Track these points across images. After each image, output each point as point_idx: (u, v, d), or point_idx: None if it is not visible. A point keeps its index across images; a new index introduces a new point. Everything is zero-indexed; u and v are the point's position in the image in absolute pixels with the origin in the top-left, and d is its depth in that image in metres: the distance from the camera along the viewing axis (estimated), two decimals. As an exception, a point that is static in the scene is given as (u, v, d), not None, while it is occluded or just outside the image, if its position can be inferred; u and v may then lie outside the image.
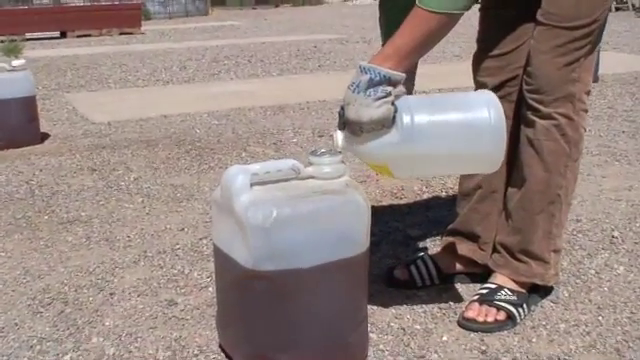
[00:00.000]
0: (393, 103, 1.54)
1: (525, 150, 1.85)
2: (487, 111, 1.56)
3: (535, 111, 1.81)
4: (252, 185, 1.50)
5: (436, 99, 1.64)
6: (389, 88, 1.54)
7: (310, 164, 1.59)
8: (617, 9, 14.98)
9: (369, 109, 1.52)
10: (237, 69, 7.05)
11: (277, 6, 26.68)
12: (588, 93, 1.84)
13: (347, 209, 1.53)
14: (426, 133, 1.55)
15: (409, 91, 1.73)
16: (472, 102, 1.60)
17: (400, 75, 1.55)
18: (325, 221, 1.50)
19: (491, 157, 1.59)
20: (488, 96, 1.61)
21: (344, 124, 1.58)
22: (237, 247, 1.50)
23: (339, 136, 1.59)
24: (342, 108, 1.57)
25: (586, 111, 1.84)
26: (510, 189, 1.93)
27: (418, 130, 1.54)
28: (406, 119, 1.54)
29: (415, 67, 1.88)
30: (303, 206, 1.48)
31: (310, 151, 1.61)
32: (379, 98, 1.52)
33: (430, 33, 1.59)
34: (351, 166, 3.27)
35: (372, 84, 1.53)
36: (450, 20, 1.59)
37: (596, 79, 1.82)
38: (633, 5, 15.86)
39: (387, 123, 1.53)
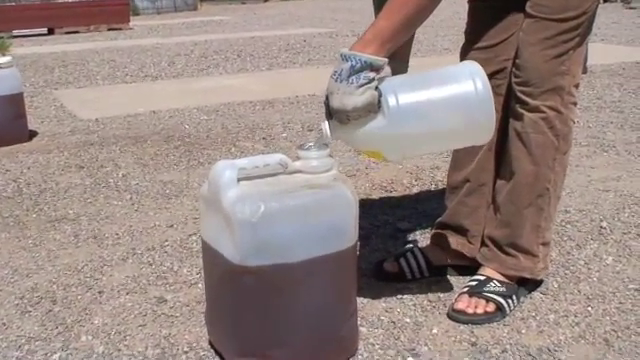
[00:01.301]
0: (377, 88, 1.52)
1: (513, 143, 1.85)
2: (472, 82, 1.54)
3: (523, 104, 1.80)
4: (239, 180, 1.49)
5: (420, 77, 1.61)
6: (372, 74, 1.52)
7: (298, 158, 1.59)
8: (605, 1, 15.01)
9: (353, 96, 1.50)
10: (226, 64, 7.03)
11: (266, 0, 26.62)
12: (577, 86, 1.83)
13: (335, 203, 1.52)
14: (413, 113, 1.53)
15: None
16: (456, 75, 1.58)
17: (382, 60, 1.54)
18: (313, 215, 1.49)
19: (482, 127, 1.57)
20: (472, 66, 1.58)
21: (330, 113, 1.57)
22: (225, 242, 1.49)
23: (327, 126, 1.58)
24: (327, 98, 1.56)
25: (575, 104, 1.84)
26: (499, 182, 1.93)
27: (405, 111, 1.53)
28: (391, 102, 1.52)
29: (407, 56, 1.86)
30: (290, 200, 1.47)
31: (298, 145, 1.61)
32: (362, 85, 1.51)
33: (410, 17, 1.56)
34: (340, 160, 3.28)
35: (354, 71, 1.51)
36: (430, 3, 1.57)
37: (585, 70, 1.82)
38: (621, -4, 15.87)
39: (373, 109, 1.52)
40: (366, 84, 1.51)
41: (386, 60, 1.55)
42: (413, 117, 1.53)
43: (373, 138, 1.56)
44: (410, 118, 1.53)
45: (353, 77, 1.51)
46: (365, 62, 1.52)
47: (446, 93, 1.55)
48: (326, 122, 1.58)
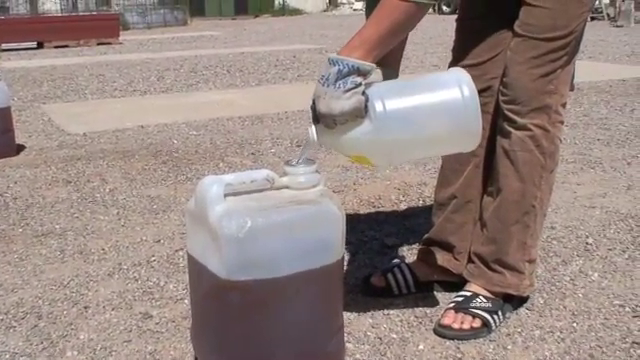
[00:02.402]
0: (364, 93, 1.52)
1: (500, 161, 1.86)
2: (459, 88, 1.53)
3: (511, 122, 1.81)
4: (226, 195, 1.49)
5: (407, 83, 1.60)
6: (359, 79, 1.52)
7: (285, 174, 1.59)
8: (592, 19, 15.14)
9: (340, 101, 1.50)
10: (216, 79, 7.04)
11: (256, 16, 26.67)
12: (564, 105, 1.84)
13: (321, 218, 1.52)
14: (400, 119, 1.53)
15: None
16: (444, 81, 1.58)
17: (369, 65, 1.53)
18: (299, 231, 1.49)
19: (469, 133, 1.56)
20: (459, 73, 1.58)
21: (317, 118, 1.56)
22: (211, 257, 1.49)
23: (314, 130, 1.57)
24: (313, 102, 1.55)
25: (562, 123, 1.85)
26: (485, 199, 1.94)
27: (391, 117, 1.52)
28: (378, 107, 1.52)
29: (398, 64, 1.86)
30: (277, 216, 1.47)
31: (285, 161, 1.61)
32: (349, 89, 1.50)
33: (398, 23, 1.56)
34: (328, 176, 3.29)
35: (341, 75, 1.51)
36: (418, 10, 1.57)
37: (572, 87, 1.84)
38: (608, 15, 16.03)
39: (359, 113, 1.51)
40: (353, 89, 1.50)
41: (373, 66, 1.54)
42: (400, 123, 1.52)
43: (360, 143, 1.56)
44: (397, 124, 1.52)
45: (340, 81, 1.51)
46: (352, 67, 1.51)
47: (433, 99, 1.55)
48: (313, 127, 1.58)
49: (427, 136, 1.56)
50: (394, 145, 1.55)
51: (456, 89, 1.53)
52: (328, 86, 1.52)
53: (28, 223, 2.80)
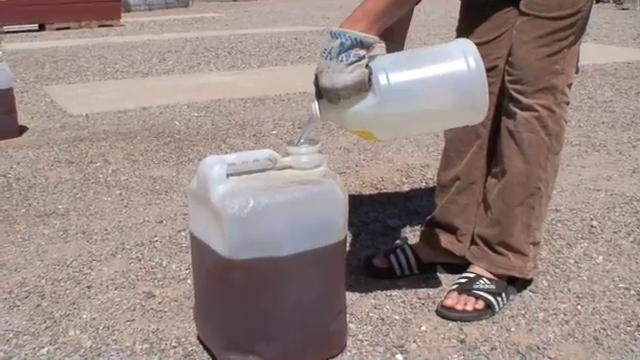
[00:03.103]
0: (367, 66, 1.50)
1: (505, 142, 1.84)
2: (464, 59, 1.51)
3: (516, 102, 1.80)
4: (228, 175, 1.48)
5: (412, 55, 1.58)
6: (362, 52, 1.49)
7: (287, 154, 1.58)
8: (598, 1, 15.05)
9: (342, 75, 1.47)
10: (217, 61, 7.00)
11: (258, -2, 26.50)
12: (570, 85, 1.83)
13: (324, 199, 1.52)
14: (404, 92, 1.50)
15: None
16: (449, 52, 1.55)
17: (372, 38, 1.51)
18: (302, 211, 1.49)
19: (475, 106, 1.54)
20: (465, 44, 1.55)
21: (320, 93, 1.54)
22: (214, 237, 1.48)
23: (317, 106, 1.55)
24: (316, 77, 1.53)
25: (568, 103, 1.83)
26: (490, 181, 1.93)
27: (396, 90, 1.50)
28: (382, 80, 1.49)
29: (403, 38, 1.84)
30: (279, 196, 1.47)
31: (287, 141, 1.60)
32: (352, 63, 1.48)
33: None
34: (331, 157, 3.28)
35: (344, 49, 1.48)
36: None
37: (577, 70, 1.82)
38: (613, -3, 15.93)
39: (363, 87, 1.49)
40: (356, 62, 1.48)
41: (376, 38, 1.52)
42: (404, 96, 1.50)
43: (364, 118, 1.53)
44: (401, 97, 1.50)
45: (343, 55, 1.48)
46: (355, 39, 1.49)
47: (438, 71, 1.52)
48: (315, 102, 1.56)
49: (432, 109, 1.53)
50: (399, 119, 1.53)
51: (462, 60, 1.51)
52: (330, 60, 1.49)
53: (31, 204, 2.79)
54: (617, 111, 4.25)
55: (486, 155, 1.95)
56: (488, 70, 1.86)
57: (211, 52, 7.68)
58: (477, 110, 1.55)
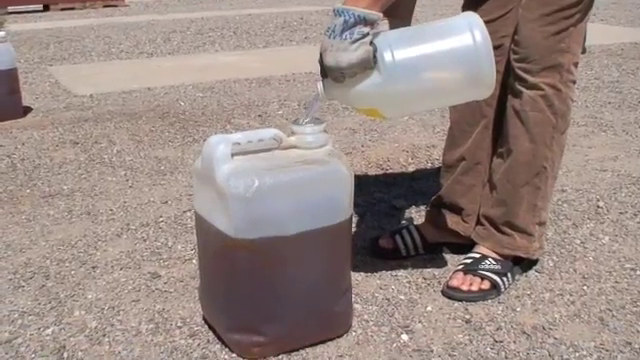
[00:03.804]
0: (372, 43, 1.48)
1: (511, 121, 1.83)
2: (470, 33, 1.48)
3: (522, 81, 1.78)
4: (233, 155, 1.47)
5: (416, 31, 1.56)
6: (366, 29, 1.47)
7: (292, 133, 1.57)
8: (604, -20, 14.94)
9: (347, 53, 1.46)
10: (222, 41, 6.98)
11: (263, -22, 26.33)
12: (576, 64, 1.81)
13: (330, 178, 1.51)
14: (410, 68, 1.48)
15: None
16: (454, 27, 1.52)
17: (376, 14, 1.48)
18: (307, 190, 1.48)
19: (482, 81, 1.51)
20: (470, 18, 1.52)
21: (325, 72, 1.52)
22: (219, 217, 1.48)
23: (322, 85, 1.54)
24: (321, 56, 1.51)
25: (574, 82, 1.82)
26: (495, 161, 1.92)
27: (401, 66, 1.48)
28: (387, 57, 1.47)
29: (409, 16, 1.82)
30: (285, 176, 1.46)
31: (292, 120, 1.59)
32: (356, 40, 1.46)
33: None
34: (336, 138, 3.27)
35: (347, 26, 1.46)
36: None
37: (584, 50, 1.81)
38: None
39: (368, 65, 1.47)
40: (360, 39, 1.46)
41: (380, 15, 1.49)
42: (410, 72, 1.48)
43: (369, 95, 1.52)
44: (407, 73, 1.48)
45: (347, 32, 1.46)
46: (359, 16, 1.46)
47: (444, 47, 1.50)
48: (320, 81, 1.55)
49: (439, 85, 1.52)
50: (405, 95, 1.51)
51: (467, 34, 1.48)
52: (334, 38, 1.48)
53: (36, 184, 2.79)
54: (624, 92, 4.23)
55: (491, 135, 1.94)
56: (494, 49, 1.83)
57: (216, 32, 7.65)
58: (484, 84, 1.53)
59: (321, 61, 1.51)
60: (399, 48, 1.48)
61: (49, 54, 6.34)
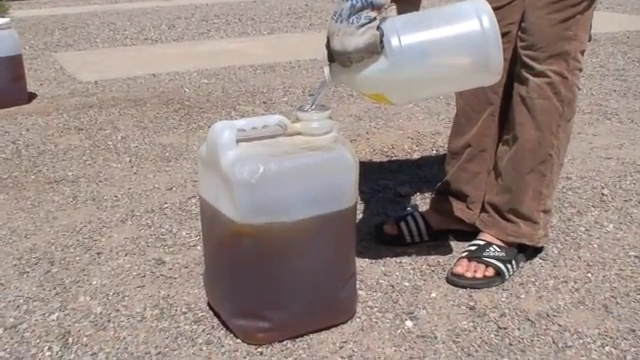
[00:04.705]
0: (379, 27, 1.47)
1: (517, 108, 1.83)
2: (477, 19, 1.47)
3: (529, 68, 1.78)
4: (238, 141, 1.47)
5: (424, 16, 1.55)
6: (373, 13, 1.47)
7: (297, 120, 1.57)
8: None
9: (353, 37, 1.45)
10: (227, 28, 6.96)
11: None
12: (583, 52, 1.80)
13: (334, 165, 1.51)
14: (417, 54, 1.48)
15: None
16: (462, 12, 1.52)
17: None
18: (312, 177, 1.48)
19: (489, 67, 1.51)
20: (478, 3, 1.51)
21: (332, 56, 1.52)
22: (223, 203, 1.48)
23: (328, 70, 1.53)
24: (327, 40, 1.51)
25: (580, 70, 1.81)
26: (501, 148, 1.91)
27: (408, 51, 1.47)
28: (394, 42, 1.47)
29: (418, 3, 1.81)
30: (289, 162, 1.46)
31: (297, 107, 1.58)
32: (363, 25, 1.45)
33: None
34: (341, 125, 3.26)
35: (354, 11, 1.46)
36: None
37: (590, 38, 1.80)
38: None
39: (375, 49, 1.47)
40: (367, 24, 1.46)
41: (388, 0, 1.50)
42: (417, 57, 1.48)
43: (376, 81, 1.51)
44: (414, 59, 1.48)
45: (354, 17, 1.46)
46: (365, 1, 1.46)
47: (451, 32, 1.49)
48: (327, 66, 1.54)
49: (446, 70, 1.51)
50: (412, 81, 1.51)
51: (475, 20, 1.48)
52: (341, 22, 1.47)
53: (40, 170, 2.80)
54: (629, 79, 4.21)
55: (497, 122, 1.93)
56: (502, 36, 1.83)
57: (221, 19, 7.63)
58: (492, 70, 1.52)
59: (328, 45, 1.51)
60: (406, 33, 1.48)
61: (54, 40, 6.34)
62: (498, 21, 1.83)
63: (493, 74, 1.54)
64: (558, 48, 1.75)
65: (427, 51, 1.48)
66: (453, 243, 2.04)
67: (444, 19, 1.52)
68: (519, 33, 1.79)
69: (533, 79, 1.77)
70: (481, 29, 1.47)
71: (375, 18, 1.47)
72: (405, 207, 2.34)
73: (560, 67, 1.76)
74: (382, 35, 1.47)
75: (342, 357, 1.53)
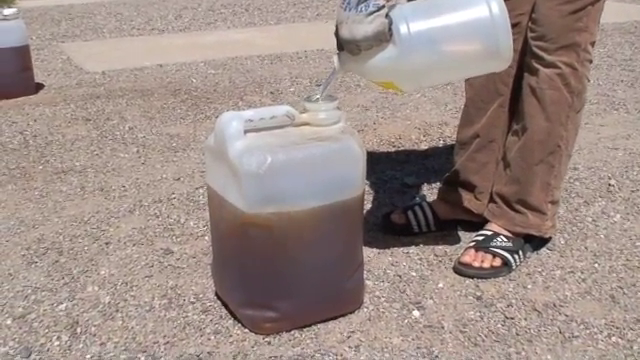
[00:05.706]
0: (387, 15, 1.47)
1: (527, 99, 1.82)
2: (487, 5, 1.47)
3: (539, 59, 1.77)
4: (246, 132, 1.48)
5: (433, 3, 1.55)
6: (381, 1, 1.47)
7: (305, 110, 1.57)
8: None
9: (362, 25, 1.45)
10: (234, 18, 6.95)
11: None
12: (593, 44, 1.80)
13: (342, 155, 1.51)
14: (426, 41, 1.48)
15: None
16: None
17: None
18: (320, 167, 1.48)
19: (499, 53, 1.50)
20: None
21: (341, 45, 1.52)
22: (231, 193, 1.49)
23: (337, 58, 1.53)
24: (336, 28, 1.51)
25: (591, 62, 1.81)
26: (510, 139, 1.91)
27: (417, 39, 1.47)
28: (403, 30, 1.47)
29: None
30: (297, 153, 1.46)
31: (305, 97, 1.59)
32: (371, 13, 1.45)
33: None
34: (348, 115, 3.26)
35: None
36: None
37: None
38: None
39: (383, 37, 1.47)
40: (375, 12, 1.45)
41: None
42: (426, 45, 1.47)
43: (385, 68, 1.51)
44: (423, 46, 1.47)
45: (362, 5, 1.46)
46: None
47: (459, 18, 1.49)
48: (336, 54, 1.54)
49: (455, 58, 1.51)
50: (421, 69, 1.50)
51: (484, 6, 1.47)
52: (350, 10, 1.47)
53: (48, 160, 2.80)
54: (637, 70, 4.19)
55: (507, 113, 1.93)
56: (512, 26, 1.82)
57: (228, 9, 7.62)
58: (501, 56, 1.51)
59: (337, 34, 1.51)
60: (415, 20, 1.47)
61: (61, 31, 6.34)
62: (508, 12, 1.82)
63: (503, 60, 1.53)
64: (568, 39, 1.74)
65: (436, 38, 1.48)
66: (460, 233, 2.04)
67: (453, 6, 1.52)
68: (529, 24, 1.79)
69: (543, 70, 1.77)
70: (490, 15, 1.47)
71: (384, 6, 1.47)
72: (412, 197, 2.34)
73: (570, 58, 1.75)
74: (391, 23, 1.47)
75: (349, 347, 1.54)
